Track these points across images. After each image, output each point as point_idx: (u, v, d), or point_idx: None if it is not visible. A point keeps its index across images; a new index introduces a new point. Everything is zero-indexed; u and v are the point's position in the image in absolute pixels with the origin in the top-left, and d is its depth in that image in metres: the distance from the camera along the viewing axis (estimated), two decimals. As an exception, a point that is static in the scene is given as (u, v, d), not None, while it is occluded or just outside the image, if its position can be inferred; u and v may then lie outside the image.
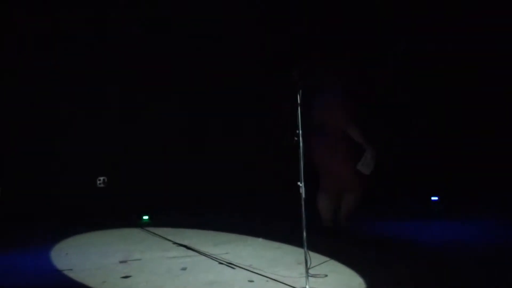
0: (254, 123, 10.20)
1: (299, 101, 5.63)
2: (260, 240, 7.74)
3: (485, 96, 10.06)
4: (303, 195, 5.66)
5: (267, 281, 5.92)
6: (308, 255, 5.63)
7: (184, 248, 7.36)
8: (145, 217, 9.28)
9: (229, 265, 6.51)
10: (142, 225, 8.89)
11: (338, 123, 7.59)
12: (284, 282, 5.83)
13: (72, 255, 7.18)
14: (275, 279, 5.94)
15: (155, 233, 8.27)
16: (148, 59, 9.79)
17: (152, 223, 9.06)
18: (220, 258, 6.79)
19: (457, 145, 10.09)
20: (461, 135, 10.13)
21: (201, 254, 7.05)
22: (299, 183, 5.68)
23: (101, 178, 9.73)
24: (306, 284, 5.56)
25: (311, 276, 5.71)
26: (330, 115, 7.64)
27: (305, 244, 5.65)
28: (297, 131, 5.65)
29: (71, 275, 6.33)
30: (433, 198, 9.75)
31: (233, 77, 10.01)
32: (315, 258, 6.22)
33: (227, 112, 10.11)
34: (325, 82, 7.90)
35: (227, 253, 7.02)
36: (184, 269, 6.43)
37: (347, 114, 7.63)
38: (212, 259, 6.82)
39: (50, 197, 9.25)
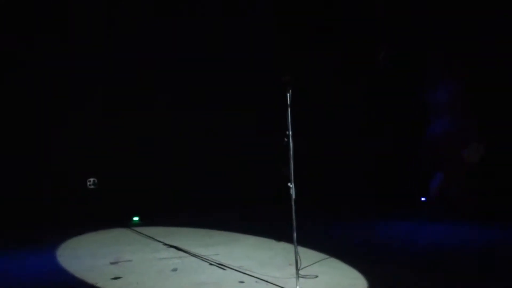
0: (246, 124, 10.19)
1: (289, 102, 5.65)
2: (251, 241, 7.76)
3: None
4: (293, 196, 5.67)
5: (257, 281, 5.93)
6: (298, 256, 5.65)
7: (174, 249, 7.36)
8: (136, 218, 9.29)
9: (220, 266, 6.52)
10: (132, 225, 8.89)
11: None
12: (275, 283, 5.84)
13: (64, 256, 7.18)
14: (266, 280, 5.95)
15: (145, 234, 8.27)
16: (138, 62, 9.78)
17: (143, 223, 9.07)
18: (211, 259, 6.79)
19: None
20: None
21: (191, 255, 7.06)
22: (289, 184, 5.69)
23: (91, 179, 9.72)
24: (297, 284, 5.58)
25: (301, 277, 5.73)
26: None
27: (296, 245, 5.67)
28: (287, 132, 5.67)
29: (63, 276, 6.33)
30: (422, 198, 9.82)
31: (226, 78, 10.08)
32: (308, 258, 6.25)
33: (220, 112, 10.11)
34: None
35: (218, 254, 7.03)
36: (174, 270, 6.43)
37: None
38: (202, 260, 6.82)
39: (41, 199, 9.22)
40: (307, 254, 5.76)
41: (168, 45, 9.97)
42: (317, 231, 7.98)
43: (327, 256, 6.72)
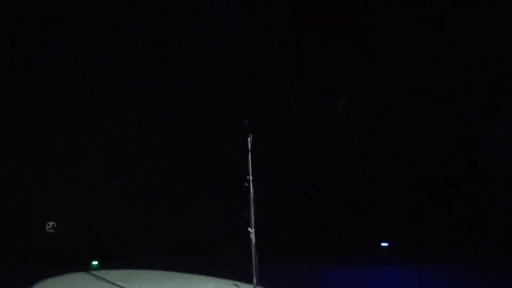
0: (207, 169, 10.20)
1: (249, 148, 5.71)
2: (210, 286, 7.71)
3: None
4: (253, 241, 5.69)
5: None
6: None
7: (133, 294, 7.29)
8: (94, 262, 9.16)
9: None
10: (91, 270, 8.77)
11: None
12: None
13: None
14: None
15: (104, 279, 8.16)
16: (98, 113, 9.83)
17: (102, 267, 8.96)
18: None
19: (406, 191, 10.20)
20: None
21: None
22: (249, 229, 5.71)
23: (50, 223, 9.59)
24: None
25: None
26: None
27: (255, 289, 5.67)
28: (248, 177, 5.72)
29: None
30: (382, 244, 9.87)
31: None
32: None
33: (179, 159, 10.13)
34: None
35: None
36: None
37: None
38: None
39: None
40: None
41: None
42: (287, 275, 7.93)
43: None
